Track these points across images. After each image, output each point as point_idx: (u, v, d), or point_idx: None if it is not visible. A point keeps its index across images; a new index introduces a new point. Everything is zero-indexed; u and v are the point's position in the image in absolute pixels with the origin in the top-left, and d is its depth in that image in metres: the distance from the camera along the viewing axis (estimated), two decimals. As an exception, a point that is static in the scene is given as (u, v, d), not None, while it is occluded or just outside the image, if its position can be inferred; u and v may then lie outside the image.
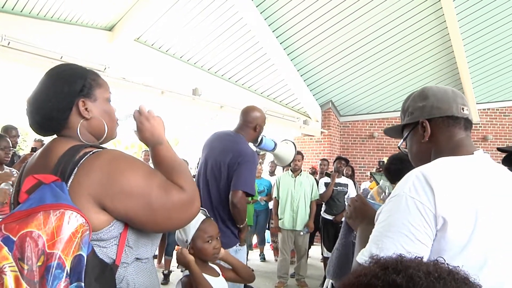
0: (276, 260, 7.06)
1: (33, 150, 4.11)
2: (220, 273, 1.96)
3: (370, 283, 0.61)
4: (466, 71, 7.64)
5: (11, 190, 1.31)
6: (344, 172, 6.45)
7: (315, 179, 6.03)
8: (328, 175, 6.06)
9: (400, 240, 1.00)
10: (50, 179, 1.10)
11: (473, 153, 1.18)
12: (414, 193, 1.03)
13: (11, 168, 3.55)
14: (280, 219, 5.63)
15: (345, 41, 7.02)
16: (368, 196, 1.45)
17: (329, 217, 5.81)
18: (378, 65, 7.71)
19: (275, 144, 3.07)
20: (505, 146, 5.94)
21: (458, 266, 0.64)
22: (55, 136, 1.32)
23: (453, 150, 1.19)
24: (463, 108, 1.23)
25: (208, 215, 1.95)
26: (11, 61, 4.62)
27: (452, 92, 1.26)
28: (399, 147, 1.38)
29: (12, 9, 4.71)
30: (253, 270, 2.16)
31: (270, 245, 7.97)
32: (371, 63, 7.65)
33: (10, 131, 4.41)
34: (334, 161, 6.27)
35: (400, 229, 1.01)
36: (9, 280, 0.97)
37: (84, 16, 5.33)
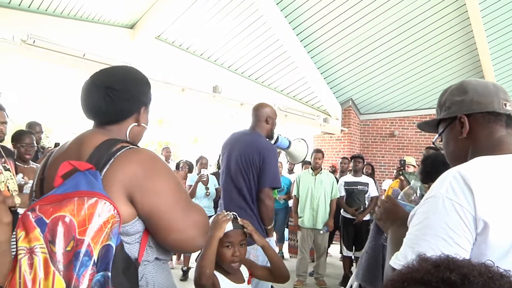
0: (291, 257, 7.06)
1: (56, 145, 4.18)
2: (247, 280, 1.84)
3: (424, 279, 0.59)
4: (490, 69, 7.45)
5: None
6: (364, 170, 6.38)
7: (335, 177, 5.98)
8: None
9: (438, 244, 0.96)
10: (85, 167, 1.12)
11: None
12: (452, 195, 0.98)
13: (37, 164, 3.60)
14: (300, 218, 5.61)
15: (365, 38, 6.92)
16: (399, 197, 1.40)
17: (349, 216, 5.77)
18: (399, 63, 7.58)
19: (290, 143, 3.18)
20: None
21: (509, 270, 0.62)
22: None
23: (493, 148, 1.12)
24: (505, 104, 1.15)
25: (239, 221, 1.80)
26: (38, 59, 4.70)
27: (493, 86, 1.18)
28: (433, 143, 1.32)
29: (38, 8, 4.79)
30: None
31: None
32: (392, 61, 7.53)
33: (34, 127, 4.49)
34: (350, 160, 6.22)
35: (438, 232, 0.97)
36: (39, 261, 0.99)
37: (106, 15, 5.40)
